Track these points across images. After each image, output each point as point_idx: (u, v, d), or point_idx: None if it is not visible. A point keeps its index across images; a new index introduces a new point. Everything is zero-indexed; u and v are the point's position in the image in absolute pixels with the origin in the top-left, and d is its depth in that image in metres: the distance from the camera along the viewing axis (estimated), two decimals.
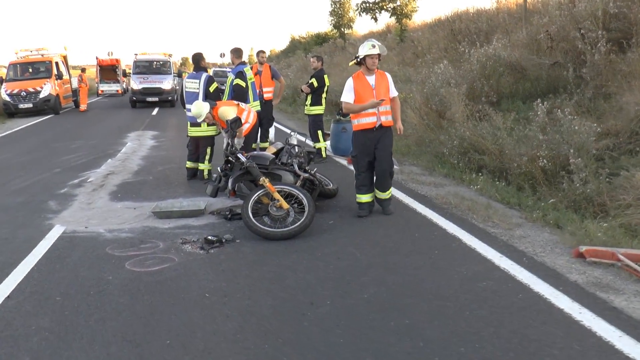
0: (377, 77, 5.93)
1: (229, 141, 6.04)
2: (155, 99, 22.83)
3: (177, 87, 24.98)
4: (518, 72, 12.41)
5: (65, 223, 6.22)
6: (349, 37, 33.15)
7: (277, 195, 5.52)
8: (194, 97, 8.12)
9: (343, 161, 9.67)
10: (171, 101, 23.44)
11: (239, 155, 5.96)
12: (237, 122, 6.22)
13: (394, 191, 7.37)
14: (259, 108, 8.81)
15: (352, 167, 9.16)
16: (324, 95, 9.77)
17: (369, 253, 4.90)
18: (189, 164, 8.46)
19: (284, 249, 5.09)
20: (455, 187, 7.67)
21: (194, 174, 8.49)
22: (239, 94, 8.32)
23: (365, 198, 6.08)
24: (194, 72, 8.26)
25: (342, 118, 10.24)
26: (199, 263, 4.80)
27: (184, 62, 79.84)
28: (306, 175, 6.11)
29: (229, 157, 6.01)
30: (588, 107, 8.97)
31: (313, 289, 4.14)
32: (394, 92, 6.09)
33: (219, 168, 6.11)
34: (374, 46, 5.82)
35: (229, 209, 6.23)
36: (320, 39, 38.93)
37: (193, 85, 8.16)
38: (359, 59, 5.87)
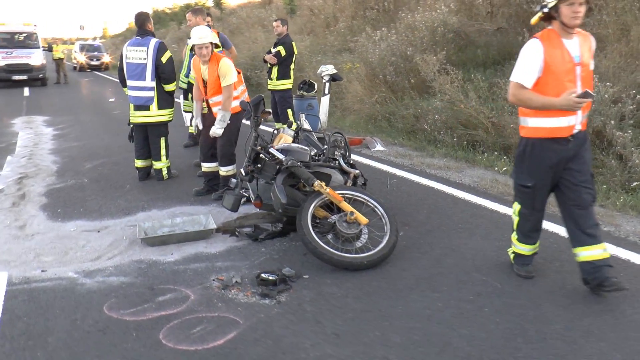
0: (581, 42, 3.29)
1: (255, 132, 4.29)
2: (24, 77, 19.00)
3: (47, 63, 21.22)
4: (462, 39, 11.67)
5: (5, 265, 4.07)
6: (225, 7, 30.86)
7: (346, 206, 3.93)
8: (139, 70, 6.07)
9: None
10: (42, 79, 19.76)
11: (273, 151, 4.23)
12: (260, 104, 4.44)
13: (403, 173, 6.14)
14: None
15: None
16: (292, 66, 8.12)
17: (513, 281, 3.54)
18: (139, 163, 6.39)
19: (385, 285, 3.55)
20: (474, 169, 6.59)
21: (147, 173, 6.47)
22: None
23: (531, 249, 3.64)
24: (138, 38, 6.15)
25: (305, 93, 8.66)
26: (284, 323, 3.11)
27: None
28: (357, 171, 4.56)
29: (261, 154, 4.27)
30: None
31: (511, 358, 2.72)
32: (592, 64, 3.37)
33: (242, 170, 4.33)
34: None
35: (252, 226, 4.51)
36: (190, 9, 36.24)
37: (138, 54, 6.09)
38: (546, 9, 3.22)
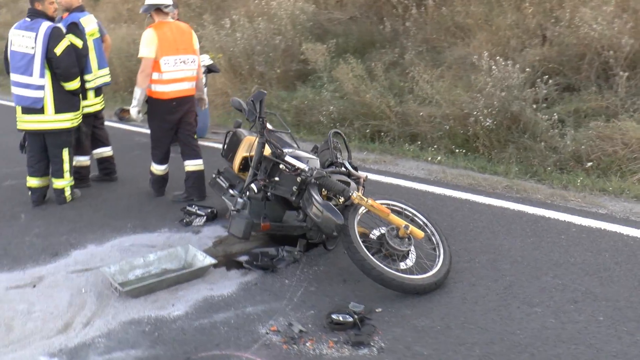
0: None
1: (262, 137, 3.43)
2: None
3: None
4: (317, 28, 11.52)
5: None
6: None
7: (396, 219, 3.33)
8: (24, 62, 4.66)
9: (212, 144, 7.08)
10: None
11: (292, 160, 3.42)
12: (263, 101, 3.55)
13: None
14: (108, 79, 5.65)
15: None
16: None
17: (586, 281, 3.31)
18: (34, 182, 4.90)
19: (474, 306, 3.04)
20: (406, 161, 6.44)
21: (44, 196, 5.01)
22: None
23: None
24: (27, 20, 4.69)
25: None
26: None
27: None
28: (365, 174, 3.95)
29: (281, 164, 3.42)
30: (434, 61, 8.71)
31: None
32: None
33: (252, 185, 3.42)
34: None
35: (258, 254, 3.65)
36: None
37: (24, 41, 4.64)
38: None
